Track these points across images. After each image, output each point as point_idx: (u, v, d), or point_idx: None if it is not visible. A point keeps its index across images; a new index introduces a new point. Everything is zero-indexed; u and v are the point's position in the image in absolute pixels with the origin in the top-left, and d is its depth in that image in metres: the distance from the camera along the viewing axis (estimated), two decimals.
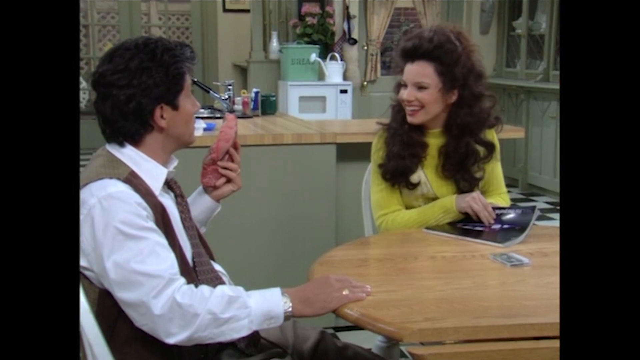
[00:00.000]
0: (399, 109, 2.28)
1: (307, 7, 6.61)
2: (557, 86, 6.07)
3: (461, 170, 2.25)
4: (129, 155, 1.67)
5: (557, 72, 6.36)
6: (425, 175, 2.27)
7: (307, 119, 5.95)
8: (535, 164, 6.47)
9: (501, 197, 2.41)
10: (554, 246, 2.05)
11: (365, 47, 7.24)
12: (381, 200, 2.30)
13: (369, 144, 3.05)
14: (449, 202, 2.22)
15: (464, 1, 7.38)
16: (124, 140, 1.67)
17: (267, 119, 3.86)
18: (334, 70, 6.27)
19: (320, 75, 6.30)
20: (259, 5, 6.95)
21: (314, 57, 6.20)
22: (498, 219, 2.20)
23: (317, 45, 6.36)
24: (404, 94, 2.19)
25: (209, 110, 4.24)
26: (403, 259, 1.95)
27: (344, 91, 6.20)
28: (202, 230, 1.99)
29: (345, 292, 1.61)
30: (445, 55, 2.14)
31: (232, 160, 1.95)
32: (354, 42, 6.61)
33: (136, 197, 1.57)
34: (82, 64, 9.06)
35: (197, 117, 3.80)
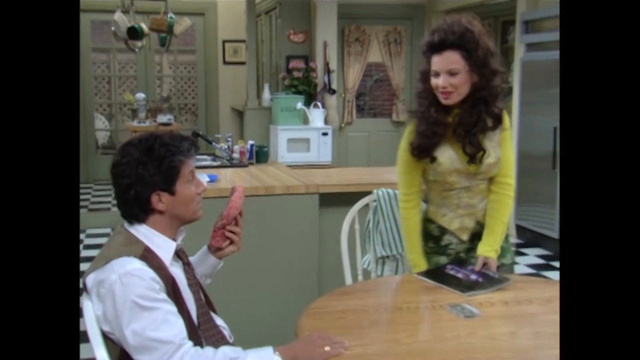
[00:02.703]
0: (426, 95, 2.20)
1: (294, 63, 6.65)
2: None
3: (469, 135, 2.18)
4: (144, 232, 1.67)
5: None
6: (454, 151, 2.21)
7: (294, 158, 6.00)
8: None
9: (503, 184, 2.29)
10: (499, 295, 2.06)
11: (343, 95, 7.28)
12: (406, 182, 2.30)
13: (347, 193, 3.08)
14: (419, 267, 2.30)
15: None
16: (131, 220, 1.68)
17: (260, 168, 3.86)
18: (316, 116, 6.30)
19: (305, 120, 6.33)
20: (253, 60, 6.97)
21: (299, 105, 6.23)
22: (479, 272, 2.20)
23: (302, 95, 6.39)
24: (439, 81, 2.12)
25: (212, 157, 4.26)
26: (375, 310, 1.95)
27: (325, 134, 6.23)
28: (208, 281, 2.00)
29: (327, 349, 1.61)
30: (467, 42, 2.09)
31: (236, 224, 1.95)
32: (333, 92, 6.65)
33: (150, 273, 1.57)
34: (105, 106, 9.05)
35: (202, 167, 3.81)
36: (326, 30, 6.63)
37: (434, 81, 2.15)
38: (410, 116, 2.29)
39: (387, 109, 7.58)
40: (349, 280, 2.55)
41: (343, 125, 7.30)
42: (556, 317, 1.89)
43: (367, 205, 2.79)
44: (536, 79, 5.38)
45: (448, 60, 2.10)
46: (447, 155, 2.21)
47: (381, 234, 2.79)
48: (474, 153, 2.18)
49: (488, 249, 2.26)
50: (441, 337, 1.76)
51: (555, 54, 5.11)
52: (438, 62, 2.12)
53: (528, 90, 5.49)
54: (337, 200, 3.21)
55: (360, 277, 2.70)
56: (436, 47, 2.11)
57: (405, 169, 2.30)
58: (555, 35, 5.18)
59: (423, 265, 2.31)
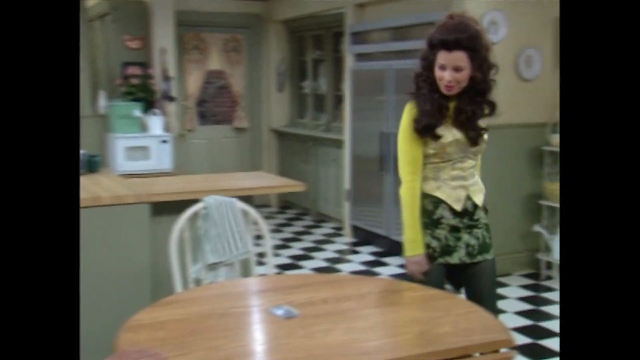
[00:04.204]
0: (429, 81, 2.36)
1: (130, 70, 6.39)
2: (336, 136, 6.36)
3: (470, 122, 2.37)
4: None
5: (336, 124, 6.66)
6: (454, 127, 2.37)
7: (133, 167, 5.77)
8: (323, 196, 6.70)
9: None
10: (319, 294, 2.13)
11: (184, 102, 7.13)
12: (411, 159, 2.39)
13: (182, 201, 2.99)
14: (408, 250, 2.42)
15: (263, 66, 7.51)
16: None
17: (91, 178, 3.65)
18: (155, 123, 6.12)
19: (144, 128, 6.11)
20: (87, 66, 6.59)
21: (137, 112, 6.01)
22: None
23: (140, 102, 6.16)
24: (445, 74, 2.30)
25: None
26: (197, 318, 1.92)
27: (164, 141, 6.07)
28: None
29: None
30: (475, 43, 2.29)
31: None
32: (173, 99, 6.48)
33: None
34: None
35: None
36: (164, 37, 6.46)
37: (440, 73, 2.33)
38: (411, 97, 2.43)
39: (228, 116, 7.55)
40: (179, 290, 2.49)
41: (184, 132, 7.15)
42: (369, 312, 2.00)
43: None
44: (364, 87, 5.64)
45: (456, 58, 2.28)
46: (447, 130, 2.36)
47: (212, 241, 2.76)
48: (476, 137, 2.38)
49: None
50: (260, 339, 1.77)
51: (379, 64, 5.39)
52: (447, 58, 2.29)
53: (357, 97, 5.75)
54: (171, 208, 3.12)
55: (191, 287, 2.64)
56: (448, 46, 2.28)
57: (410, 146, 2.39)
58: (379, 47, 5.47)
59: (421, 248, 2.40)
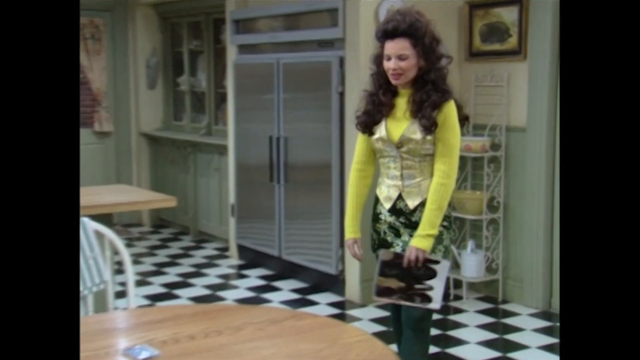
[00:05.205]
0: (377, 78, 2.84)
1: None
2: (219, 141, 6.33)
3: (422, 111, 2.74)
4: None
5: (218, 127, 6.62)
6: (385, 124, 2.82)
7: None
8: (204, 212, 6.63)
9: (436, 169, 2.79)
10: (187, 329, 2.10)
11: None
12: (357, 149, 2.96)
13: None
14: (347, 233, 2.96)
15: (130, 58, 7.35)
16: None
17: None
18: None
19: None
20: None
21: None
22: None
23: None
24: (391, 64, 2.74)
25: None
26: None
27: None
28: None
29: None
30: (416, 30, 2.71)
31: None
32: None
33: None
34: None
35: None
36: None
37: (386, 64, 2.77)
38: (363, 94, 2.95)
39: (88, 118, 7.30)
40: None
41: None
42: (244, 347, 1.99)
43: None
44: (250, 83, 5.66)
45: (399, 46, 2.73)
46: (379, 127, 2.84)
47: None
48: (429, 125, 2.74)
49: (413, 238, 2.77)
50: None
51: (267, 57, 5.42)
52: (390, 47, 2.75)
53: (242, 95, 5.75)
54: None
55: None
56: (389, 34, 2.74)
57: (358, 138, 2.96)
58: (266, 37, 5.50)
59: (351, 232, 2.94)
